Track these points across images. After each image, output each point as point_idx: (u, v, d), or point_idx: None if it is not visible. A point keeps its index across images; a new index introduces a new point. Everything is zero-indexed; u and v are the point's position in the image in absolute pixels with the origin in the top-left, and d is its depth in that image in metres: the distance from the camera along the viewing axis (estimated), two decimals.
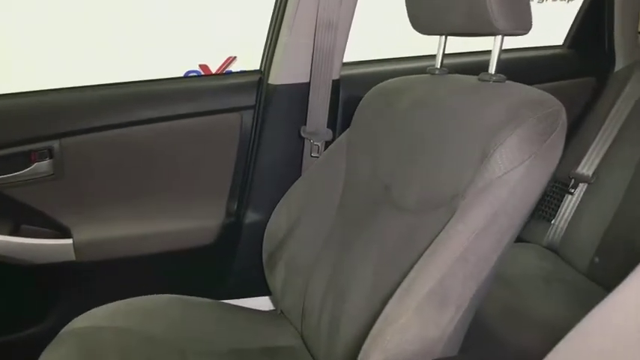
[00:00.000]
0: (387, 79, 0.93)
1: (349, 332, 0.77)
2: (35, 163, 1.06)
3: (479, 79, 0.75)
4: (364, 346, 0.60)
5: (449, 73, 0.86)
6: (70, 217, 1.12)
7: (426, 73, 0.88)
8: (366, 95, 0.94)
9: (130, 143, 1.12)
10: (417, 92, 0.84)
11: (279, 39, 1.12)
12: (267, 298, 1.25)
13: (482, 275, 0.62)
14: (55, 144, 1.06)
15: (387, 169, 0.83)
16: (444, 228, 0.63)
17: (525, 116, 0.63)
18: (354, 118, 0.95)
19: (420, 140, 0.78)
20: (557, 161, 0.65)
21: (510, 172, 0.62)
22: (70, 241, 1.10)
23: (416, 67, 1.26)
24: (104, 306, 0.95)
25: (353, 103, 0.96)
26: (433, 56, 0.87)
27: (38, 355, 0.82)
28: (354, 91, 1.16)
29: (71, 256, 1.10)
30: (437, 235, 0.63)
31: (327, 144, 1.08)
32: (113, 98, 1.12)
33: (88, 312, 0.93)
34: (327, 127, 1.12)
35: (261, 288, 1.15)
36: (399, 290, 0.62)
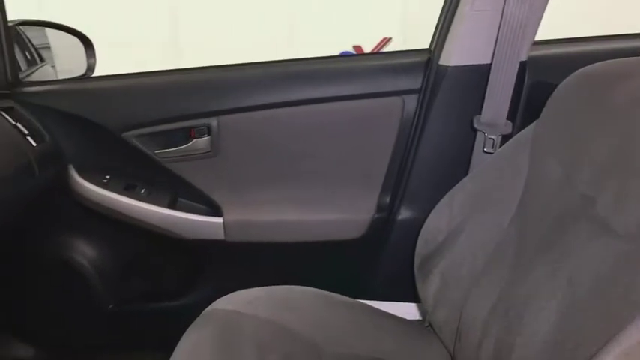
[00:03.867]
0: (593, 61, 0.74)
1: None
2: (194, 140, 1.09)
3: None
4: None
5: None
6: (223, 196, 1.14)
7: None
8: (565, 81, 0.76)
9: (284, 124, 1.10)
10: None
11: (458, 11, 0.98)
12: (413, 305, 1.14)
13: None
14: (214, 121, 1.08)
15: (590, 177, 0.65)
16: None
17: None
18: (545, 108, 0.77)
19: None
20: None
21: None
22: (220, 219, 1.11)
23: (634, 47, 1.02)
24: (246, 290, 0.94)
25: (541, 91, 0.80)
26: None
27: (181, 325, 0.85)
28: (544, 76, 0.99)
29: (220, 235, 1.12)
30: None
31: (505, 139, 0.92)
32: (270, 77, 1.10)
33: (231, 295, 0.93)
34: (507, 118, 0.96)
35: (407, 293, 1.06)
36: (616, 351, 0.46)
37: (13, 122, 0.97)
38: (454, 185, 0.89)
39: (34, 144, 0.98)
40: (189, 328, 0.84)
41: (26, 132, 0.98)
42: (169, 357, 0.78)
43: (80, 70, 1.29)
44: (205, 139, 1.09)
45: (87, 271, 1.20)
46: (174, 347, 0.80)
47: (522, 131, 0.82)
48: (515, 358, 0.65)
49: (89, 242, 1.22)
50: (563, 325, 0.59)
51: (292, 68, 1.12)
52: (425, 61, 1.05)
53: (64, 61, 1.67)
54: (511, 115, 0.97)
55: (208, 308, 0.89)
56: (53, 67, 1.77)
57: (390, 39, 4.30)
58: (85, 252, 1.21)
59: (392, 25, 4.04)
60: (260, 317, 0.86)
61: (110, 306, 1.24)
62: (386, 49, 4.35)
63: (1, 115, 0.96)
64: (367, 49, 4.36)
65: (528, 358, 0.62)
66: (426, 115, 1.04)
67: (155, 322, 1.25)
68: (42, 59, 1.70)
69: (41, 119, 1.06)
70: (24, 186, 0.94)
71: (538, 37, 1.01)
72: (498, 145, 0.95)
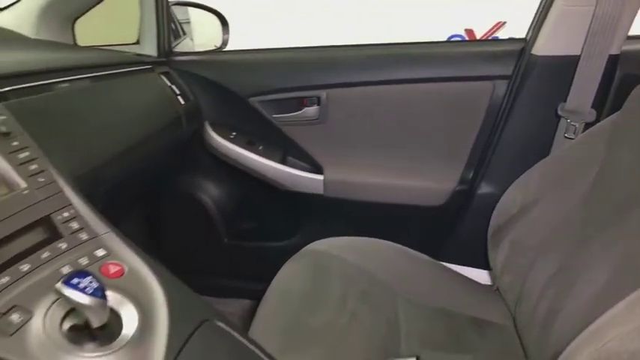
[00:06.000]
0: None
1: (566, 330, 0.71)
2: (305, 108, 1.23)
3: None
4: (577, 339, 0.54)
5: None
6: (325, 158, 1.28)
7: None
8: None
9: (384, 99, 1.20)
10: None
11: (554, 5, 1.03)
12: (485, 272, 1.21)
13: None
14: (323, 93, 1.21)
15: None
16: None
17: None
18: (627, 100, 0.82)
19: None
20: None
21: None
22: (321, 177, 1.26)
23: None
24: (338, 238, 1.06)
25: (631, 84, 0.83)
26: None
27: (282, 262, 0.98)
28: (635, 69, 1.01)
29: (320, 190, 1.27)
30: None
31: (587, 126, 0.96)
32: (374, 57, 1.20)
33: (326, 239, 1.05)
34: (592, 107, 1.00)
35: (479, 260, 1.14)
36: (636, 293, 0.54)
37: (169, 84, 1.18)
38: (533, 165, 0.95)
39: (183, 102, 1.18)
40: (288, 260, 0.99)
41: (178, 92, 1.18)
42: None
43: (212, 43, 1.47)
44: (315, 108, 1.23)
45: (209, 207, 1.40)
46: None
47: (604, 120, 0.86)
48: (562, 318, 0.73)
49: (214, 184, 1.41)
50: (608, 291, 0.67)
51: (394, 51, 1.21)
52: (519, 50, 1.11)
53: (200, 35, 1.91)
54: (598, 105, 1.01)
55: (305, 248, 1.03)
56: (192, 39, 2.03)
57: (504, 23, 4.14)
58: (210, 192, 1.41)
59: (508, 8, 3.90)
60: (347, 260, 0.97)
61: (226, 240, 1.44)
62: (499, 33, 4.19)
63: (161, 78, 1.18)
64: (480, 33, 4.23)
65: (574, 318, 0.70)
66: (514, 100, 1.10)
67: (261, 257, 1.42)
68: (184, 32, 1.96)
69: (187, 82, 1.26)
70: (175, 134, 1.14)
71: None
72: (580, 132, 1.00)
